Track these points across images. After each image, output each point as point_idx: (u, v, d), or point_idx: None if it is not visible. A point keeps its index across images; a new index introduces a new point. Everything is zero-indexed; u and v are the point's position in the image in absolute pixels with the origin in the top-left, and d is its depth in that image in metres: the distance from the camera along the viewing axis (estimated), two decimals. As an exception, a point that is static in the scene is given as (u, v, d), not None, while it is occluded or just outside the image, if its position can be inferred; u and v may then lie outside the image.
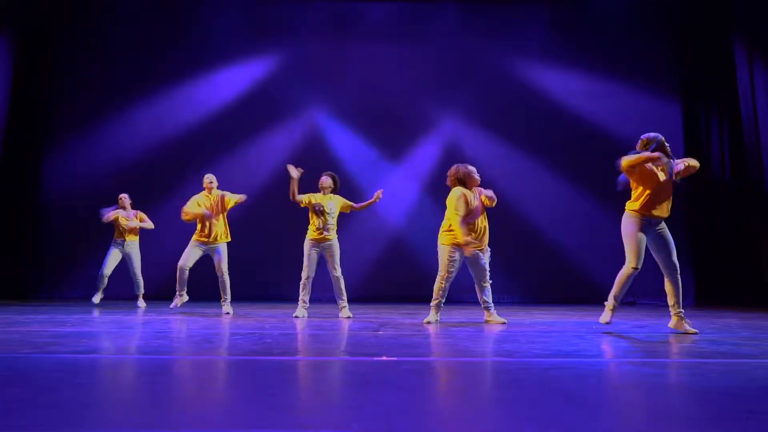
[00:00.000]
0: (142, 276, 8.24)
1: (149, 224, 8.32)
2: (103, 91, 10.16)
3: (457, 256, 5.72)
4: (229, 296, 7.10)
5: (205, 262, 7.29)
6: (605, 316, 5.02)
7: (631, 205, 4.92)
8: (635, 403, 2.42)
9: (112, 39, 10.21)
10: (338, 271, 6.64)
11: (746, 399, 2.41)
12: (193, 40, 10.33)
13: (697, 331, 4.84)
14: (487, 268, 5.87)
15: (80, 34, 10.25)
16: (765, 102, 8.90)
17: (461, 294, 8.31)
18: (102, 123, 10.18)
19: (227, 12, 10.41)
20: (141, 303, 7.97)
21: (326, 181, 6.79)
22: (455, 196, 5.72)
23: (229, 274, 7.15)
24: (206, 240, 7.06)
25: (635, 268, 4.82)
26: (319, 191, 6.81)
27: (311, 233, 6.65)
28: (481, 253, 5.79)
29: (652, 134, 4.99)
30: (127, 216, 8.18)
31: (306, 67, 10.35)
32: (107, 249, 8.20)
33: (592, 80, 10.30)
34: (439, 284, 5.79)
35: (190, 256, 7.09)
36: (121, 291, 8.64)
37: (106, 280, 8.09)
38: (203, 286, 8.02)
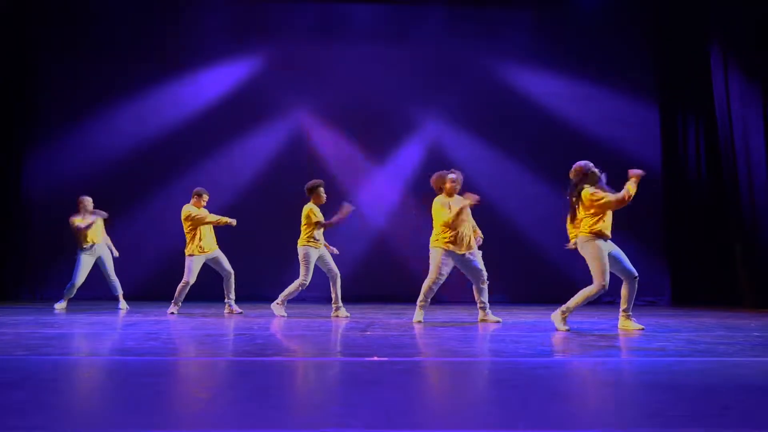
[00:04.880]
0: (120, 276, 8.01)
1: (101, 214, 7.90)
2: (86, 91, 10.10)
3: (449, 260, 5.89)
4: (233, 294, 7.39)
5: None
6: (563, 326, 5.19)
7: (593, 228, 5.13)
8: (618, 400, 2.54)
9: (96, 38, 10.14)
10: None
11: (722, 396, 2.54)
12: (177, 39, 10.31)
13: (643, 327, 5.24)
14: (482, 267, 6.04)
15: (63, 32, 10.17)
16: (739, 106, 9.16)
17: (441, 294, 8.43)
18: (84, 122, 10.11)
19: (212, 12, 10.40)
20: (123, 304, 7.75)
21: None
22: (436, 207, 6.00)
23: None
24: (204, 250, 7.26)
25: (605, 287, 5.11)
26: (307, 200, 7.02)
27: (314, 243, 6.84)
28: (472, 256, 5.96)
29: (577, 165, 5.33)
30: (84, 218, 7.79)
31: (291, 68, 10.38)
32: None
33: (573, 83, 10.48)
34: (428, 286, 5.94)
35: (196, 273, 7.24)
36: (101, 292, 8.57)
37: (75, 291, 7.75)
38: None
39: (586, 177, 5.24)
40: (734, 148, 9.16)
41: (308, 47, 10.42)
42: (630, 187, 5.04)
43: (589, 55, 10.50)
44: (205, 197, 7.41)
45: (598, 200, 5.08)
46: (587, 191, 5.15)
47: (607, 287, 5.10)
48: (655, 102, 10.54)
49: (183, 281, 7.15)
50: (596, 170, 5.28)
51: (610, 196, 5.09)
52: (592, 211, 5.15)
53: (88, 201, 7.92)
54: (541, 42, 10.56)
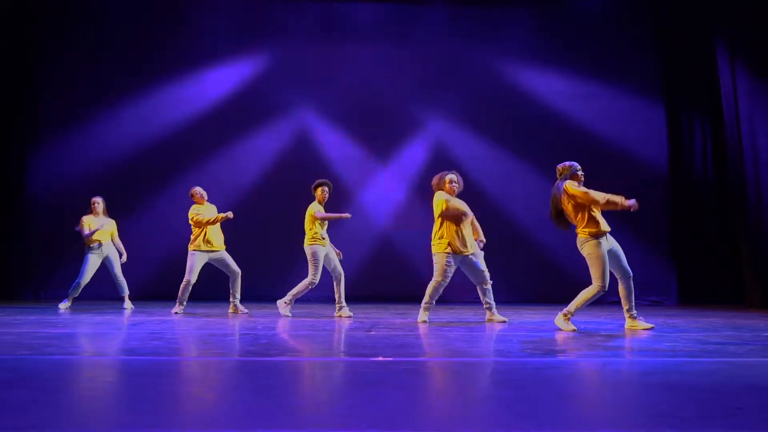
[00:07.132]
0: (125, 276, 7.99)
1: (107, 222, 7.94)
2: (90, 90, 10.11)
3: (452, 261, 5.88)
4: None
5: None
6: (569, 326, 5.14)
7: (590, 229, 5.09)
8: (626, 401, 2.50)
9: (98, 37, 10.15)
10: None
11: (733, 396, 2.50)
12: (181, 39, 10.32)
13: (653, 325, 5.26)
14: (484, 268, 6.03)
15: (67, 31, 10.18)
16: (746, 105, 9.09)
17: (445, 294, 8.41)
18: (89, 122, 10.12)
19: (215, 12, 10.40)
20: (128, 304, 7.73)
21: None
22: (439, 199, 5.95)
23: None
24: (213, 247, 7.25)
25: (604, 288, 5.08)
26: (313, 199, 7.02)
27: (320, 241, 6.83)
28: (473, 258, 5.94)
29: (568, 163, 5.40)
30: (98, 222, 7.84)
31: (295, 68, 10.37)
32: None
33: (577, 82, 10.44)
34: (433, 288, 5.92)
35: (197, 271, 7.22)
36: (104, 291, 8.57)
37: (80, 290, 7.74)
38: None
39: (574, 176, 5.29)
40: (741, 147, 9.10)
41: (311, 47, 10.41)
42: (616, 198, 5.03)
43: (594, 54, 10.45)
44: (204, 194, 7.41)
45: (580, 193, 5.08)
46: (569, 185, 5.18)
47: (606, 288, 5.09)
48: (662, 101, 10.48)
49: (184, 280, 7.14)
50: (581, 173, 5.31)
51: (591, 192, 5.09)
52: (570, 205, 5.15)
53: (99, 203, 7.94)
54: (545, 41, 10.52)
